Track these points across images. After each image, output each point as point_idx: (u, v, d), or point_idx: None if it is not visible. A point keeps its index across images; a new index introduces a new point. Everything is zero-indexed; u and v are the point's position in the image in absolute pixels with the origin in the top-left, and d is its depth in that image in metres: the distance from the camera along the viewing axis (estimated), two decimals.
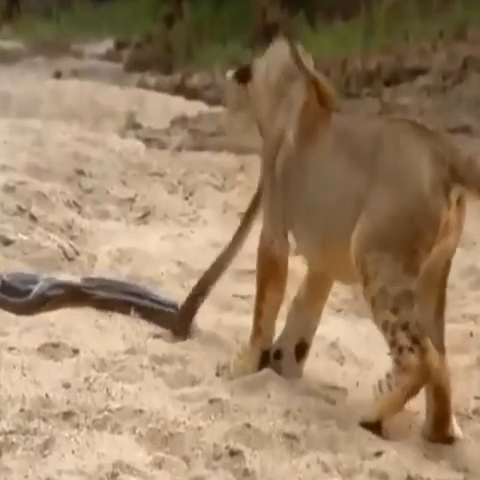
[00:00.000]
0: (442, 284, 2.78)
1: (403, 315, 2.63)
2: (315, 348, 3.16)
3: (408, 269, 2.62)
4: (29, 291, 3.30)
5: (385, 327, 2.64)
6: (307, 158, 2.80)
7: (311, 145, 2.80)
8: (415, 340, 2.63)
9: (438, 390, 2.71)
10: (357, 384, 2.98)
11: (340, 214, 2.68)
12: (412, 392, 2.64)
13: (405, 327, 2.63)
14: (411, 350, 2.63)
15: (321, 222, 2.75)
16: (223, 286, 3.86)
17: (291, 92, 2.92)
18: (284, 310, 3.64)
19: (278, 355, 2.92)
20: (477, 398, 2.99)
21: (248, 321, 3.43)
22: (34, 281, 3.36)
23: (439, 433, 2.68)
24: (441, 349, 2.74)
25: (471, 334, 3.50)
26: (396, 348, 2.64)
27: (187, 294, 3.27)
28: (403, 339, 2.63)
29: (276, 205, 2.90)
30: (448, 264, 2.79)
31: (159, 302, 3.30)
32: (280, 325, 3.03)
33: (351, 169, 2.70)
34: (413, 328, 2.63)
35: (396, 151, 2.67)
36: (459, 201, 2.70)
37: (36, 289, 3.29)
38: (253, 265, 4.10)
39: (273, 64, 2.98)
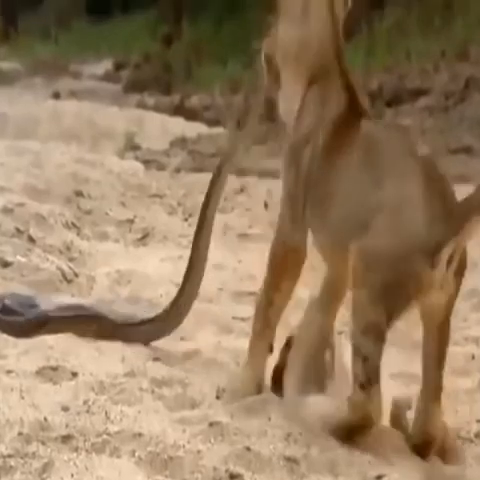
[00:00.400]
0: (441, 335, 2.74)
1: (366, 347, 2.59)
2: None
3: (384, 309, 2.58)
4: (29, 312, 3.31)
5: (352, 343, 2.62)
6: (333, 161, 2.74)
7: (339, 149, 2.74)
8: (369, 380, 2.58)
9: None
10: None
11: (351, 222, 2.66)
12: (346, 431, 2.57)
13: (365, 360, 2.59)
14: (362, 387, 2.58)
15: (335, 225, 2.72)
16: (222, 308, 3.88)
17: (325, 89, 2.84)
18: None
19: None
20: (479, 421, 3.00)
21: (248, 343, 3.45)
22: (32, 303, 3.37)
23: None
24: (436, 397, 2.70)
25: (473, 357, 3.52)
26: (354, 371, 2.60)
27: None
28: (359, 370, 2.59)
29: (298, 198, 2.86)
30: (446, 316, 2.74)
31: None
32: None
33: (369, 183, 2.66)
34: (371, 366, 2.59)
35: (399, 189, 2.60)
36: (451, 258, 2.59)
37: (37, 311, 3.30)
38: (253, 287, 4.12)
39: (308, 46, 2.85)
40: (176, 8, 16.73)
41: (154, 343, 3.33)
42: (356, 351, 2.60)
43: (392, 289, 2.58)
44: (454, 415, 3.02)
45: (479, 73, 10.63)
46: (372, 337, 2.60)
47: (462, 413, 3.04)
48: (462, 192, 7.61)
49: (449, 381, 3.25)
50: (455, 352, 3.57)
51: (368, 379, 2.59)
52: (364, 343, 2.59)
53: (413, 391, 3.16)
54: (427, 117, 9.83)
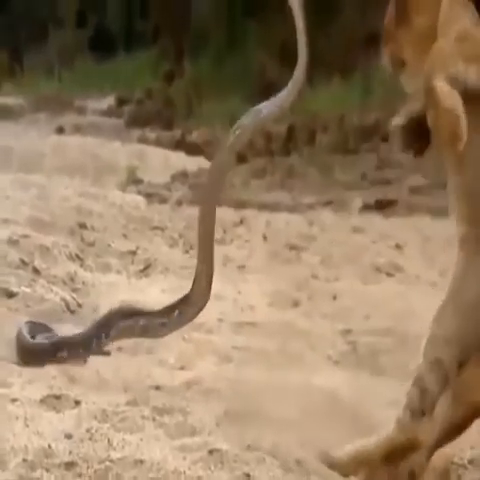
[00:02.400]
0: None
1: (429, 380, 2.52)
2: (312, 401, 3.18)
3: (457, 352, 2.49)
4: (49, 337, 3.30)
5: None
6: None
7: None
8: (422, 411, 2.53)
9: None
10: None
11: None
12: (388, 451, 2.50)
13: (424, 391, 2.53)
14: (413, 414, 2.54)
15: None
16: (222, 338, 3.89)
17: None
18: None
19: None
20: (473, 448, 3.00)
21: (247, 372, 3.46)
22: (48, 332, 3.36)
23: None
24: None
25: None
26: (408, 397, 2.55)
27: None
28: (416, 397, 2.53)
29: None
30: None
31: None
32: None
33: None
34: (429, 399, 2.52)
35: None
36: None
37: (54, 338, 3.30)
38: (252, 317, 4.14)
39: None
40: (177, 46, 16.83)
41: (155, 372, 3.33)
42: (418, 379, 2.54)
43: (471, 337, 2.50)
44: (448, 442, 3.02)
45: None
46: (437, 374, 2.53)
47: (456, 440, 3.04)
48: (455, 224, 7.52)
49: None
50: None
51: (421, 410, 2.54)
52: (428, 376, 2.54)
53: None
54: None
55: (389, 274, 5.23)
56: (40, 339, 3.33)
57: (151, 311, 3.28)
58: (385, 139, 10.48)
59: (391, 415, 3.19)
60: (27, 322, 3.48)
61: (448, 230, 7.40)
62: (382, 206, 7.66)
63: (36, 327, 3.45)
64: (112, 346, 3.69)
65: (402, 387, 3.47)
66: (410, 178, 8.67)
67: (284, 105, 2.94)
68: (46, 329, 3.45)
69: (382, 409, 3.24)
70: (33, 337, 3.35)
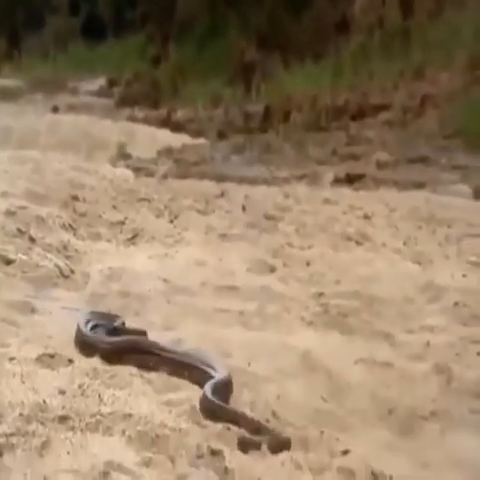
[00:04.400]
0: None
1: None
2: (288, 359, 3.16)
3: None
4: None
5: None
6: None
7: None
8: None
9: None
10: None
11: None
12: None
13: None
14: None
15: None
16: (205, 301, 3.86)
17: None
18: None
19: None
20: (434, 401, 3.00)
21: (228, 332, 3.44)
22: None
23: None
24: None
25: (428, 343, 3.52)
26: None
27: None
28: None
29: None
30: None
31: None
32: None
33: None
34: None
35: None
36: None
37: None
38: (232, 282, 4.11)
39: None
40: (163, 32, 16.68)
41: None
42: None
43: None
44: (412, 396, 3.02)
45: (434, 91, 10.66)
46: None
47: (419, 394, 3.04)
48: (418, 197, 7.63)
49: (407, 366, 3.26)
50: (412, 339, 3.58)
51: None
52: None
53: (377, 375, 3.16)
54: (388, 130, 9.84)
55: (358, 242, 5.22)
56: (98, 330, 3.10)
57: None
58: (354, 118, 10.44)
59: (358, 370, 3.20)
60: (89, 313, 3.28)
61: (412, 202, 7.48)
62: (351, 180, 7.63)
63: (97, 317, 3.24)
64: (103, 308, 3.66)
65: (367, 345, 3.47)
66: (377, 154, 8.64)
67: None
68: (108, 318, 3.25)
69: (351, 365, 3.23)
70: (95, 326, 3.13)
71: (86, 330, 3.08)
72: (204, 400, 2.57)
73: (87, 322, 3.15)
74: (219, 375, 2.75)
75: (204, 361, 2.88)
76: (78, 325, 3.11)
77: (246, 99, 11.87)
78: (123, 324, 3.27)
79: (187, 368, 2.85)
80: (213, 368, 2.81)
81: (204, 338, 3.33)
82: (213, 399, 2.56)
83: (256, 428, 2.46)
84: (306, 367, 3.14)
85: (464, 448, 2.71)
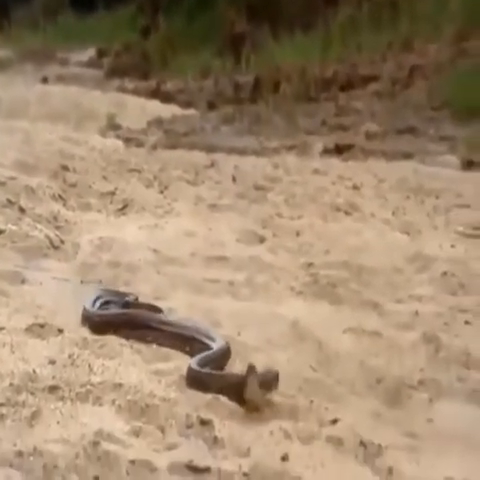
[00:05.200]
0: None
1: None
2: (277, 328, 3.15)
3: None
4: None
5: None
6: None
7: None
8: None
9: None
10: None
11: None
12: None
13: None
14: None
15: None
16: (194, 271, 3.83)
17: None
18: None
19: None
20: (422, 370, 2.99)
21: (218, 302, 3.42)
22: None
23: None
24: None
25: (417, 313, 3.51)
26: None
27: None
28: None
29: None
30: None
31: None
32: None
33: None
34: None
35: None
36: None
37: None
38: (222, 252, 4.09)
39: None
40: (153, 3, 16.52)
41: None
42: None
43: None
44: (400, 365, 3.01)
45: (422, 62, 10.61)
46: None
47: (407, 363, 3.03)
48: (407, 167, 7.61)
49: (395, 335, 3.25)
50: (400, 309, 3.57)
51: None
52: None
53: (365, 345, 3.15)
54: (376, 101, 9.79)
55: (347, 213, 5.19)
56: (109, 306, 3.05)
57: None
58: (343, 89, 10.38)
59: (347, 340, 3.18)
60: (100, 290, 3.21)
61: (400, 172, 7.45)
62: (340, 150, 7.59)
63: (108, 294, 3.17)
64: (93, 278, 3.64)
65: (356, 314, 3.46)
66: (366, 124, 8.59)
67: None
68: (120, 295, 3.19)
69: (339, 334, 3.22)
70: (107, 303, 3.06)
71: (88, 305, 3.03)
72: (188, 370, 2.55)
73: (97, 299, 3.10)
74: (217, 345, 2.73)
75: (203, 332, 2.85)
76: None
77: (236, 70, 11.79)
78: (136, 299, 3.22)
79: (188, 342, 2.81)
80: (212, 339, 2.79)
81: (194, 308, 3.31)
82: (196, 368, 2.54)
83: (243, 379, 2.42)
84: (295, 337, 3.12)
85: (452, 417, 2.71)
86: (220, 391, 2.44)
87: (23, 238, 3.94)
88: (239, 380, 2.43)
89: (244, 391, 2.39)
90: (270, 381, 2.46)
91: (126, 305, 3.12)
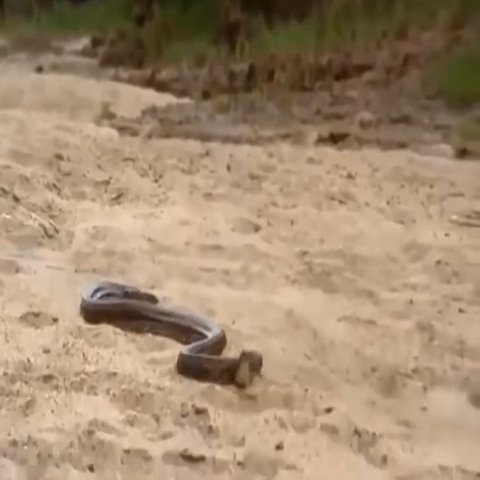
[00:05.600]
0: None
1: None
2: (272, 317, 3.14)
3: None
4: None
5: None
6: None
7: None
8: None
9: None
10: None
11: None
12: None
13: None
14: None
15: None
16: (189, 260, 3.82)
17: None
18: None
19: None
20: (416, 359, 2.99)
21: (213, 291, 3.41)
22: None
23: None
24: None
25: (411, 301, 3.51)
26: None
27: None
28: None
29: None
30: None
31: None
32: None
33: None
34: None
35: None
36: None
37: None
38: (216, 241, 4.08)
39: None
40: None
41: None
42: None
43: None
44: (394, 354, 3.01)
45: (416, 51, 10.58)
46: None
47: (401, 352, 3.03)
48: (401, 156, 7.57)
49: (390, 323, 3.25)
50: (395, 297, 3.56)
51: None
52: None
53: (360, 333, 3.15)
54: (371, 90, 9.77)
55: (341, 201, 5.18)
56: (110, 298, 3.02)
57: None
58: (337, 78, 10.34)
59: (342, 328, 3.18)
60: (101, 282, 3.18)
61: (395, 161, 7.43)
62: (335, 139, 7.57)
63: (109, 286, 3.14)
64: (88, 267, 3.62)
65: (351, 303, 3.46)
66: (360, 113, 8.57)
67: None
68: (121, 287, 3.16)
69: (334, 323, 3.21)
70: (108, 295, 3.03)
71: (86, 296, 3.00)
72: (179, 356, 2.55)
73: (97, 290, 3.07)
74: (212, 334, 2.73)
75: (198, 322, 2.84)
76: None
77: (231, 59, 11.75)
78: (137, 291, 3.18)
79: (184, 332, 2.80)
80: (209, 329, 2.78)
81: (189, 297, 3.30)
82: (187, 353, 2.54)
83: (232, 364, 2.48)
84: (290, 325, 3.12)
85: (446, 405, 2.71)
86: (210, 375, 2.46)
87: (17, 227, 3.93)
88: (232, 364, 2.45)
89: (236, 374, 2.45)
90: (257, 364, 2.53)
91: (126, 295, 3.10)
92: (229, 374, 2.48)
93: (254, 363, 2.51)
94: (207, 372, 2.48)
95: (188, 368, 2.51)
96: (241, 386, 2.46)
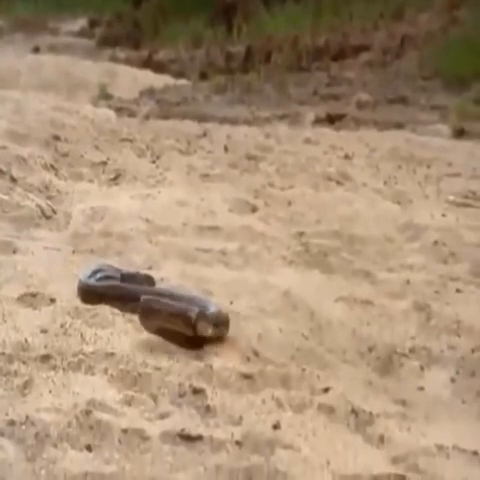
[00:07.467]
0: None
1: None
2: (269, 297, 3.13)
3: None
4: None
5: None
6: None
7: None
8: None
9: None
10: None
11: None
12: None
13: None
14: None
15: None
16: (186, 241, 3.81)
17: None
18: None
19: None
20: (413, 338, 2.98)
21: (211, 272, 3.40)
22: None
23: None
24: None
25: (408, 282, 3.50)
26: None
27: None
28: None
29: None
30: None
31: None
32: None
33: None
34: None
35: None
36: None
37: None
38: (214, 222, 4.06)
39: None
40: None
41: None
42: None
43: None
44: (391, 333, 3.00)
45: (413, 32, 10.53)
46: None
47: (398, 332, 3.02)
48: (398, 137, 7.54)
49: (387, 303, 3.24)
50: (392, 278, 3.56)
51: None
52: None
53: (357, 313, 3.14)
54: (368, 71, 9.73)
55: (338, 182, 5.16)
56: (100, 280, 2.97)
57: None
58: (334, 58, 10.29)
59: (339, 308, 3.17)
60: (97, 265, 3.11)
61: (392, 142, 7.39)
62: (332, 120, 7.53)
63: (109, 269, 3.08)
64: (85, 247, 3.61)
65: (348, 283, 3.45)
66: (357, 94, 8.54)
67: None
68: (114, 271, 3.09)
69: (331, 303, 3.21)
70: (107, 277, 2.98)
71: (83, 277, 2.96)
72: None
73: (95, 272, 3.02)
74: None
75: (198, 302, 2.81)
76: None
77: (227, 40, 11.68)
78: (136, 273, 3.13)
79: (180, 316, 2.75)
80: (208, 309, 2.75)
81: (186, 277, 3.29)
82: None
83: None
84: (287, 305, 3.11)
85: (443, 384, 2.71)
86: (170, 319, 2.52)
87: (15, 208, 3.91)
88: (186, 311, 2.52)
89: (196, 327, 2.53)
90: (221, 320, 2.62)
91: (123, 277, 3.07)
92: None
93: (217, 319, 2.59)
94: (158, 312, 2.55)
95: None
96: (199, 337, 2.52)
